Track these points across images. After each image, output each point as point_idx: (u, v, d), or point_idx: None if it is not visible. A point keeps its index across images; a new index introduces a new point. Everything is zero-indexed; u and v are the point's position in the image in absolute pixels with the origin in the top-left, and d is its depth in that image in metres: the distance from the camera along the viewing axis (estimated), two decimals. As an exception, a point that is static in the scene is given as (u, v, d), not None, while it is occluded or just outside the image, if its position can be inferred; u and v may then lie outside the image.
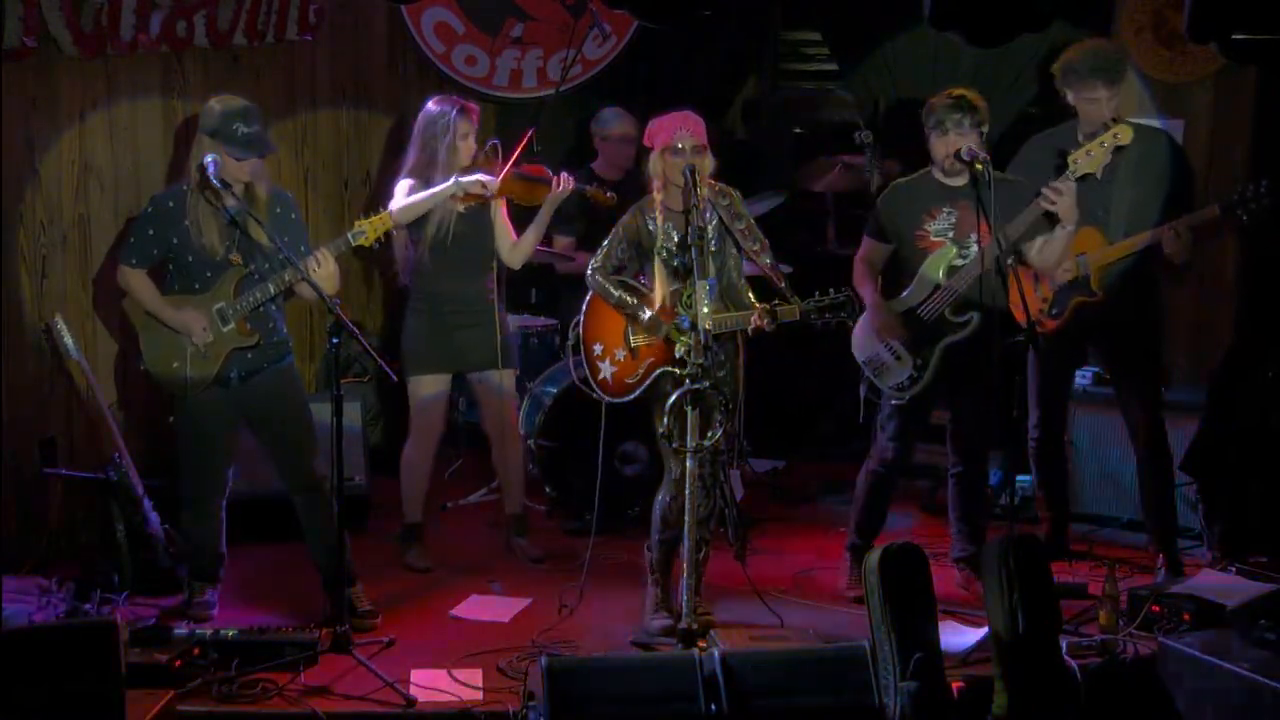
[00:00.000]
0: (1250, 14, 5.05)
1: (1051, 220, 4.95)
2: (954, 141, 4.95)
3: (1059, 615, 4.37)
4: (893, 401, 5.18)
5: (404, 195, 5.28)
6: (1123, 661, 4.63)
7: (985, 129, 5.00)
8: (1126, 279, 5.27)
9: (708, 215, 4.79)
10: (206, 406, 4.90)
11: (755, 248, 4.87)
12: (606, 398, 5.00)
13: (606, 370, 4.97)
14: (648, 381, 4.90)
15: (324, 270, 4.81)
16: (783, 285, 4.81)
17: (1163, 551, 5.38)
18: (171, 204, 4.85)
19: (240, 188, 4.80)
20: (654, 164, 4.84)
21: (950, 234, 5.06)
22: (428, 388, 5.48)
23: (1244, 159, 6.25)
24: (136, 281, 4.91)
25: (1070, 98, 5.25)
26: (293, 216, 4.99)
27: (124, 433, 5.33)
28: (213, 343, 4.83)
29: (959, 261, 5.03)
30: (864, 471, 5.33)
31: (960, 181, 5.05)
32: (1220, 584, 4.91)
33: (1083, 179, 5.20)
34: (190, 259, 4.84)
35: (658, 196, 4.87)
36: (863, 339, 5.19)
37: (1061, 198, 4.87)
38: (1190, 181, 5.34)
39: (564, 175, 5.42)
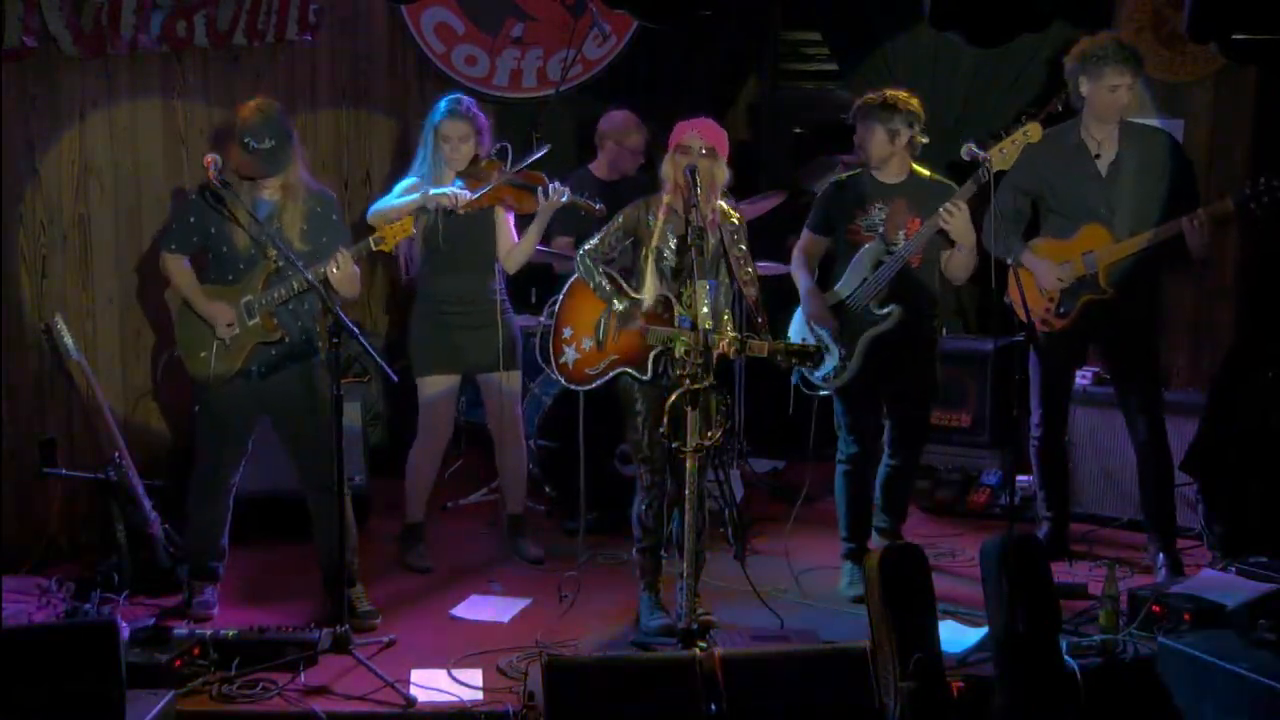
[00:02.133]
0: (1250, 14, 5.06)
1: (948, 238, 5.04)
2: (861, 135, 5.16)
3: (1059, 615, 4.37)
4: (822, 392, 5.27)
5: (396, 194, 5.34)
6: (1123, 661, 4.62)
7: (902, 132, 5.13)
8: (1132, 277, 5.27)
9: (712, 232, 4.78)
10: (227, 398, 4.92)
11: (746, 277, 4.87)
12: (564, 380, 5.02)
13: (569, 355, 4.97)
14: (607, 376, 4.90)
15: (343, 271, 4.81)
16: (760, 320, 4.82)
17: (1163, 551, 5.38)
18: (210, 194, 4.88)
19: (275, 195, 4.85)
20: (666, 166, 4.84)
21: (880, 229, 5.16)
22: (434, 388, 5.48)
23: (1244, 159, 6.26)
24: (174, 267, 4.95)
25: (1085, 88, 5.21)
26: (333, 218, 5.00)
27: (125, 434, 5.33)
28: (238, 335, 4.86)
29: (885, 257, 5.13)
30: (837, 474, 5.39)
31: (895, 180, 5.18)
32: (1220, 584, 4.90)
33: (1087, 174, 5.24)
34: (225, 250, 4.89)
35: (666, 199, 4.86)
36: (795, 329, 5.28)
37: (954, 217, 4.96)
38: (1191, 178, 5.34)
39: (555, 185, 5.39)
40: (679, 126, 4.84)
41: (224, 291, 4.89)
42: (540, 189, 5.38)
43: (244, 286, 4.87)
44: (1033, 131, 5.02)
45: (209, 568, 5.07)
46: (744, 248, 4.89)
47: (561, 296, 5.05)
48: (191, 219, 4.94)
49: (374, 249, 4.88)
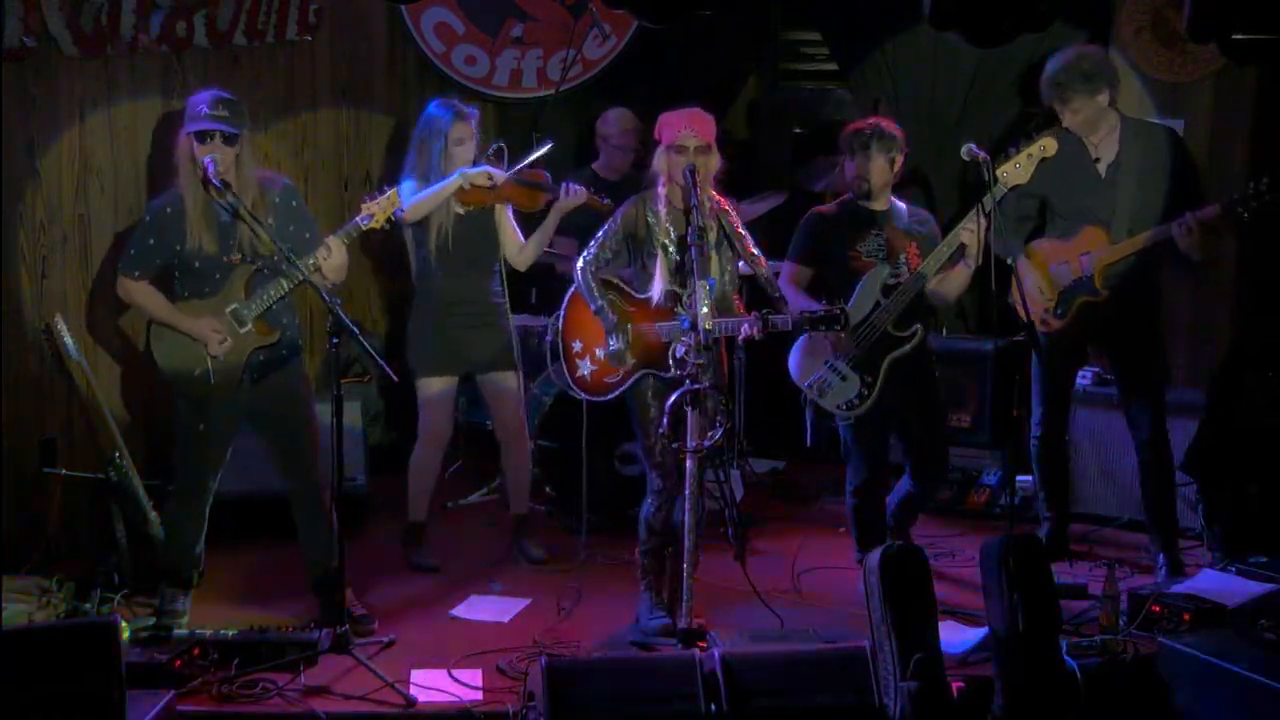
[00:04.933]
0: (1250, 14, 5.06)
1: (961, 253, 5.06)
2: (861, 165, 5.12)
3: (1059, 615, 4.37)
4: (841, 421, 5.23)
5: (409, 195, 5.29)
6: (1123, 661, 4.62)
7: (897, 157, 5.14)
8: (1130, 278, 5.26)
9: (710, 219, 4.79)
10: (216, 407, 4.82)
11: (752, 256, 4.90)
12: (583, 395, 5.00)
13: (585, 369, 4.96)
14: (628, 383, 4.89)
15: (334, 259, 4.74)
16: (778, 295, 4.83)
17: (1163, 551, 5.38)
18: (169, 209, 4.74)
19: (250, 194, 4.74)
20: (658, 160, 4.85)
21: (881, 254, 5.17)
22: (434, 389, 5.47)
23: (1244, 159, 6.25)
24: (140, 293, 4.79)
25: (1059, 111, 5.26)
26: (294, 204, 4.87)
27: (124, 434, 5.32)
28: (233, 347, 4.75)
29: (892, 280, 5.13)
30: (848, 506, 5.37)
31: (882, 206, 5.20)
32: (1220, 584, 4.91)
33: (1085, 177, 5.23)
34: (197, 264, 4.73)
35: (661, 191, 4.87)
36: (803, 362, 5.23)
37: (973, 234, 4.98)
38: (1194, 177, 5.31)
39: (572, 186, 5.42)
40: (669, 121, 4.83)
41: (204, 306, 4.74)
42: (562, 187, 5.40)
43: (225, 295, 4.74)
44: (1048, 146, 5.04)
45: (183, 574, 4.98)
46: (741, 231, 4.91)
47: (562, 312, 5.03)
48: (151, 241, 4.75)
49: (364, 228, 4.78)
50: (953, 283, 5.11)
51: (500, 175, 5.33)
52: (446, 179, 5.27)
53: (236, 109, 4.72)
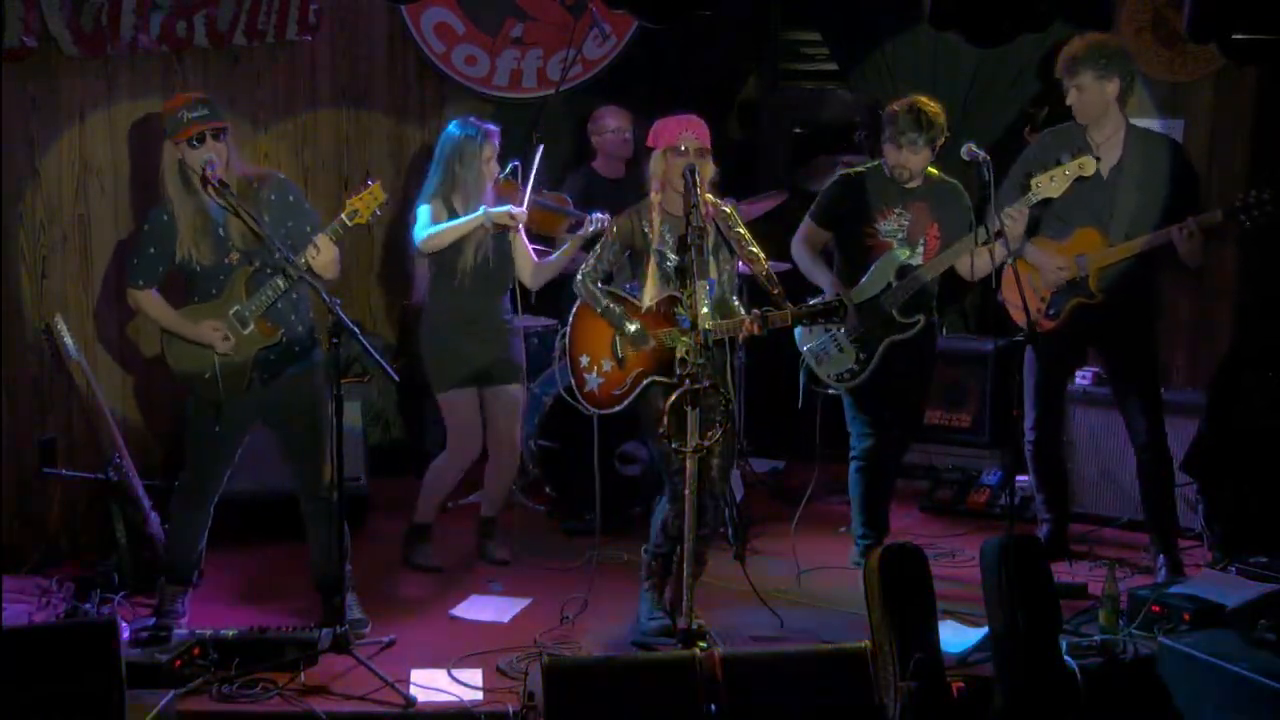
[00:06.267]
0: (1250, 14, 5.06)
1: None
2: (906, 157, 5.14)
3: (1059, 615, 4.38)
4: (830, 390, 5.34)
5: (427, 220, 5.28)
6: (1123, 661, 4.62)
7: (940, 141, 5.16)
8: (1125, 281, 5.26)
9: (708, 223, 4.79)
10: (228, 409, 4.81)
11: (751, 256, 4.89)
12: (593, 410, 4.96)
13: (593, 382, 4.91)
14: (635, 392, 4.87)
15: (323, 257, 4.68)
16: (776, 293, 4.83)
17: (1163, 551, 5.38)
18: (166, 217, 4.74)
19: (237, 186, 4.71)
20: (655, 164, 4.84)
21: (901, 235, 5.19)
22: (459, 401, 5.46)
23: (1244, 159, 6.25)
24: (147, 302, 4.80)
25: (1065, 87, 5.26)
26: (290, 199, 4.84)
27: (125, 434, 5.33)
28: (238, 347, 4.74)
29: (912, 262, 5.17)
30: (851, 470, 5.45)
31: (915, 183, 5.19)
32: (1220, 584, 4.91)
33: (1084, 179, 5.23)
34: (198, 268, 4.73)
35: (655, 199, 4.86)
36: (809, 327, 5.27)
37: (1014, 223, 5.03)
38: (1194, 186, 5.31)
39: (595, 215, 5.35)
40: (666, 125, 4.82)
41: (209, 309, 4.74)
42: (587, 218, 5.35)
43: (227, 297, 4.73)
44: (1086, 165, 5.06)
45: (183, 572, 4.98)
46: (742, 230, 4.91)
47: (569, 327, 5.01)
48: (152, 249, 4.76)
49: (349, 224, 4.71)
50: (980, 266, 5.14)
51: (520, 213, 5.30)
52: (470, 215, 5.26)
53: (211, 104, 4.71)
